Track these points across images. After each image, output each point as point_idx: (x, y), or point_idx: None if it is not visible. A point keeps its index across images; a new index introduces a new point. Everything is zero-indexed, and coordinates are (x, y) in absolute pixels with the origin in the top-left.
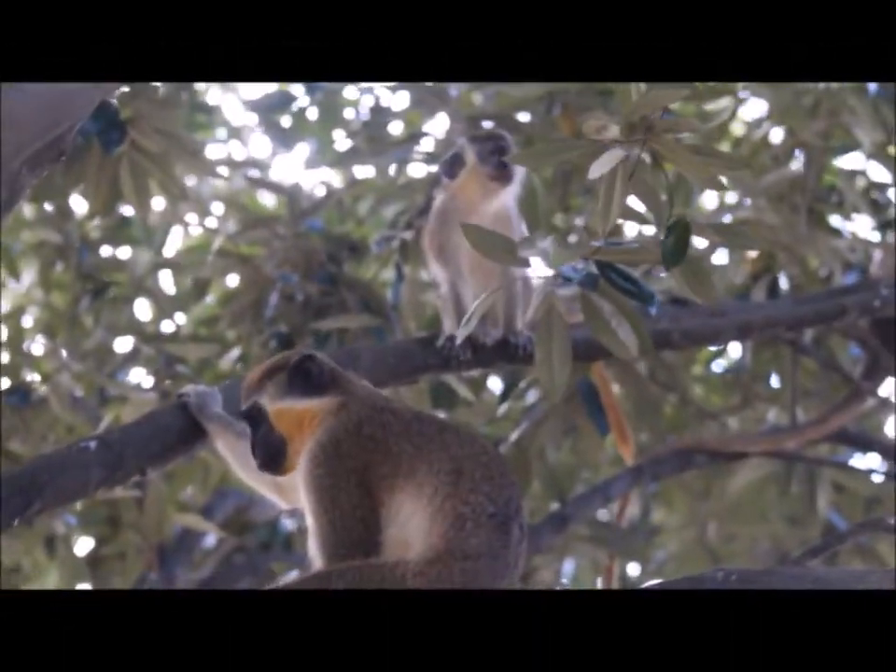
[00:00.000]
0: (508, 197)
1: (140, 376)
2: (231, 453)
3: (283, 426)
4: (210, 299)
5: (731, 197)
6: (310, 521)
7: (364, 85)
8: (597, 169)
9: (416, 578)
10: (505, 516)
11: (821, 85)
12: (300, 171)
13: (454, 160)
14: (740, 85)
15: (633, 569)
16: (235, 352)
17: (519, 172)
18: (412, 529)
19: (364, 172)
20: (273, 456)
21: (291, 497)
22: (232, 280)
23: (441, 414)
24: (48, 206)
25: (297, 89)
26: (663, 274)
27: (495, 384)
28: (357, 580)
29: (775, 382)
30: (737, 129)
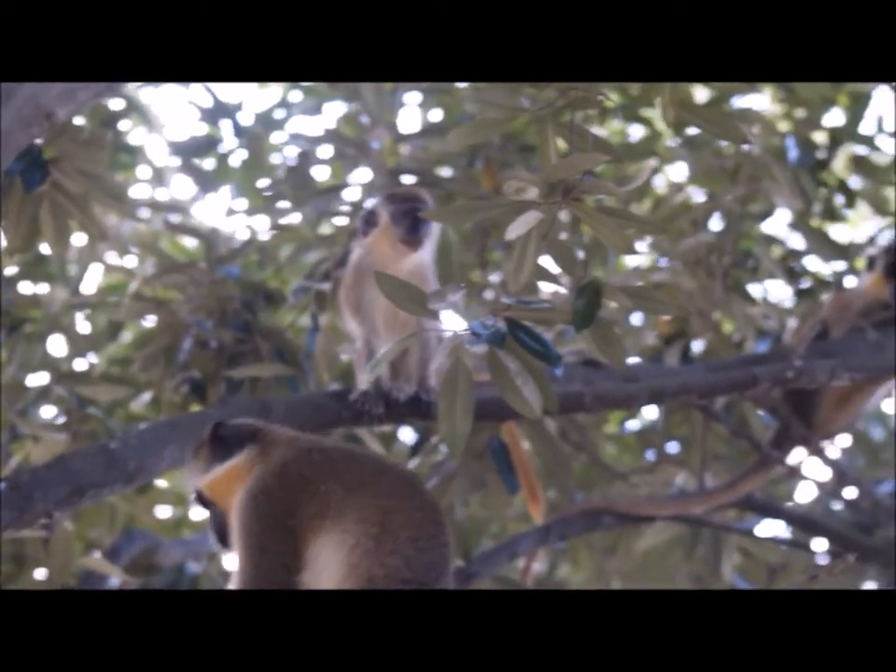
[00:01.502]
0: (423, 255)
1: (51, 414)
2: None
3: (218, 496)
4: (125, 337)
5: (649, 259)
6: (236, 563)
7: (291, 130)
8: (514, 230)
9: None
10: (420, 583)
11: (743, 149)
12: (221, 215)
13: (368, 216)
14: (662, 147)
15: None
16: (147, 396)
17: (434, 230)
18: (324, 581)
19: (287, 219)
20: (221, 533)
21: None
22: (148, 322)
23: None
24: None
25: (224, 131)
26: None
27: (406, 436)
28: None
29: (685, 445)
30: (659, 187)
